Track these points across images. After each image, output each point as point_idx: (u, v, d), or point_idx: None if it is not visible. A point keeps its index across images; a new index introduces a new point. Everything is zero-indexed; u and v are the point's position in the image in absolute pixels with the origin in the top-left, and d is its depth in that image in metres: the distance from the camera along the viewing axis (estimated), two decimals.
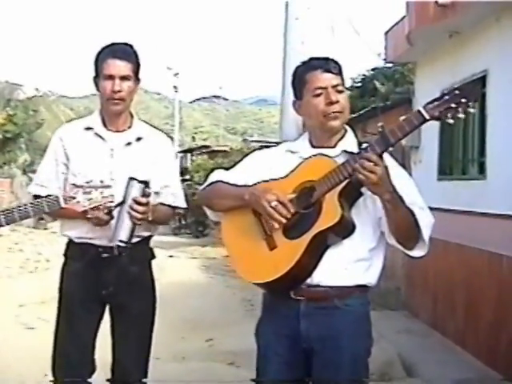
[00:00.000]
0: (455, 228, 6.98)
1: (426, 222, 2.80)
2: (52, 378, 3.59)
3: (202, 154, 29.88)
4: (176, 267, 13.02)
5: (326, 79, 2.82)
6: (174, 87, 40.57)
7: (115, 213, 3.34)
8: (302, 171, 2.81)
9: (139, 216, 3.28)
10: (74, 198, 3.11)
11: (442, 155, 7.87)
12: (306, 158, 2.83)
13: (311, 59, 2.93)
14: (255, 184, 2.88)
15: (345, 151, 2.81)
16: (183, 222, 23.60)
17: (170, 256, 14.99)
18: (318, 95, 2.82)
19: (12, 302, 9.03)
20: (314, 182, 2.74)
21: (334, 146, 2.88)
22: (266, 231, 2.82)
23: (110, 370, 3.60)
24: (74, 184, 3.41)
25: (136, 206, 3.27)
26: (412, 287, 8.87)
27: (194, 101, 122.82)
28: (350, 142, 2.88)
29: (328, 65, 2.85)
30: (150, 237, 3.62)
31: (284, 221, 2.73)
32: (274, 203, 2.71)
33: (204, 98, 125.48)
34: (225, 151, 26.24)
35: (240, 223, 2.92)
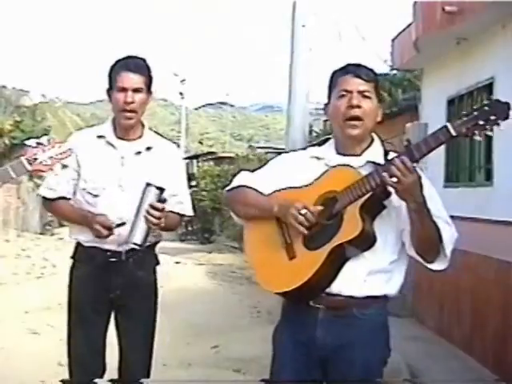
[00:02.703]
0: (462, 235, 6.95)
1: (450, 237, 2.80)
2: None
3: (208, 160, 29.91)
4: (182, 273, 13.04)
5: (354, 83, 2.79)
6: (181, 94, 40.64)
7: (131, 216, 3.41)
8: (326, 181, 2.78)
9: (155, 221, 3.36)
10: (36, 159, 3.20)
11: (449, 162, 7.86)
12: (331, 168, 2.81)
13: (348, 64, 2.90)
14: (280, 190, 2.89)
15: (370, 162, 2.79)
16: (190, 229, 23.62)
17: (177, 262, 15.01)
18: (342, 97, 2.80)
19: (18, 308, 9.04)
20: (337, 192, 2.72)
21: (359, 155, 2.85)
22: (286, 240, 2.82)
23: (116, 370, 3.70)
24: (83, 189, 3.58)
25: (152, 211, 3.34)
26: (419, 294, 8.84)
27: (201, 107, 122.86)
28: (376, 152, 2.84)
29: (359, 70, 2.82)
30: (156, 243, 3.72)
31: (305, 231, 2.72)
32: (303, 211, 2.69)
33: (210, 104, 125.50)
34: (231, 157, 26.27)
35: (262, 231, 2.91)
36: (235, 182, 3.05)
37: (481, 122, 2.52)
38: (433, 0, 7.03)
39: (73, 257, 3.71)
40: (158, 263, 3.75)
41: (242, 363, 6.45)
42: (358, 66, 2.87)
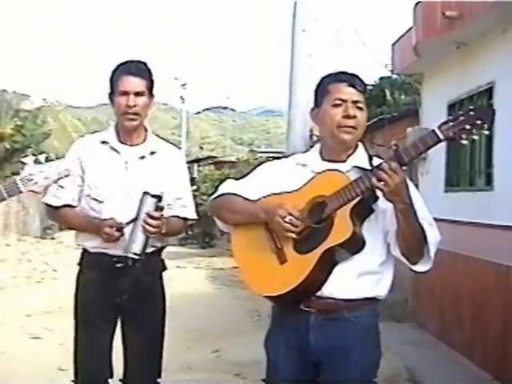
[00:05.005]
0: (462, 239, 6.96)
1: (434, 239, 2.82)
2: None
3: (209, 164, 29.87)
4: (183, 277, 13.03)
5: (349, 93, 2.85)
6: (181, 98, 40.63)
7: (129, 225, 3.42)
8: (315, 185, 2.81)
9: (153, 230, 3.37)
10: (31, 179, 3.09)
11: (449, 166, 7.86)
12: (319, 173, 2.84)
13: (340, 72, 2.95)
14: (266, 196, 2.91)
15: (356, 167, 2.83)
16: (190, 233, 23.58)
17: (177, 266, 15.01)
18: (337, 106, 2.85)
19: (18, 312, 9.05)
20: (326, 197, 2.75)
21: (344, 161, 2.90)
22: (276, 245, 2.83)
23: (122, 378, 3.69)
24: (88, 195, 3.56)
25: (150, 220, 3.36)
26: (419, 299, 8.84)
27: (202, 111, 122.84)
28: (360, 157, 2.90)
29: (354, 80, 2.87)
30: (162, 248, 3.71)
31: (294, 235, 2.74)
32: (288, 218, 2.72)
33: (211, 108, 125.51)
34: (231, 162, 26.23)
35: (251, 237, 2.92)
36: (220, 190, 3.08)
37: (467, 127, 2.59)
38: (434, 0, 7.04)
39: (79, 263, 3.70)
40: (164, 268, 3.74)
41: (243, 367, 6.44)
42: (352, 75, 2.91)
